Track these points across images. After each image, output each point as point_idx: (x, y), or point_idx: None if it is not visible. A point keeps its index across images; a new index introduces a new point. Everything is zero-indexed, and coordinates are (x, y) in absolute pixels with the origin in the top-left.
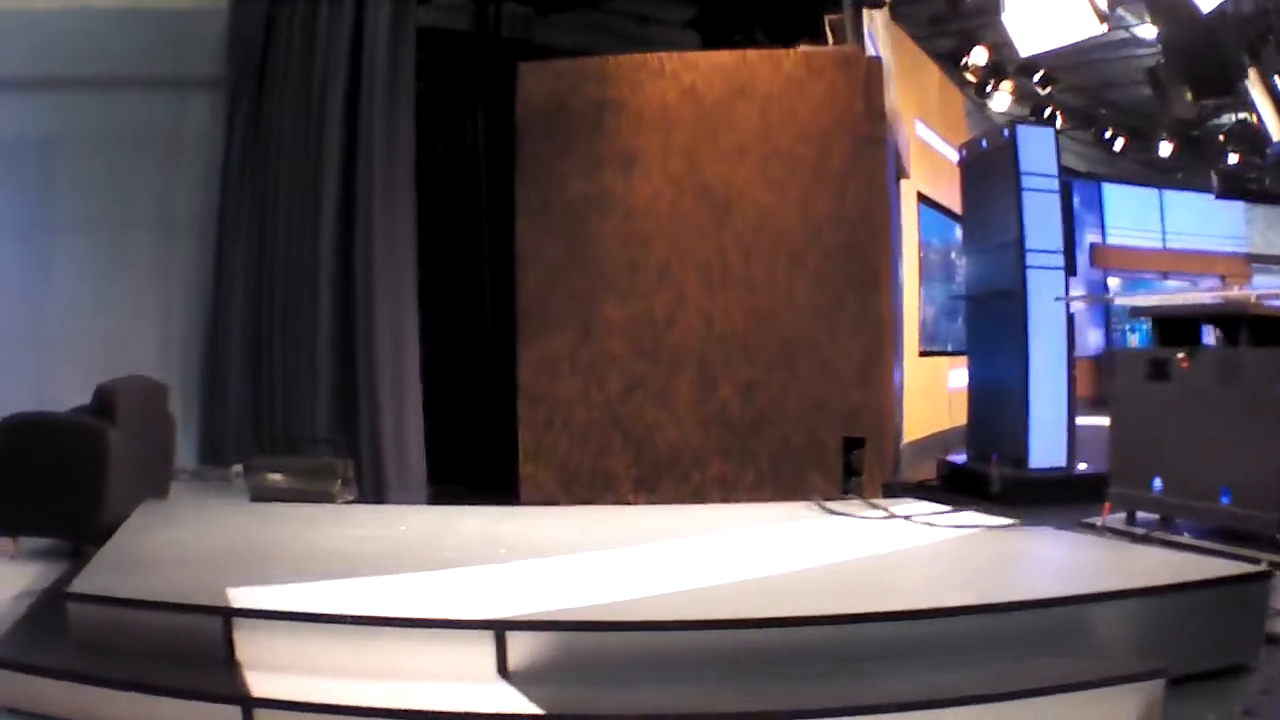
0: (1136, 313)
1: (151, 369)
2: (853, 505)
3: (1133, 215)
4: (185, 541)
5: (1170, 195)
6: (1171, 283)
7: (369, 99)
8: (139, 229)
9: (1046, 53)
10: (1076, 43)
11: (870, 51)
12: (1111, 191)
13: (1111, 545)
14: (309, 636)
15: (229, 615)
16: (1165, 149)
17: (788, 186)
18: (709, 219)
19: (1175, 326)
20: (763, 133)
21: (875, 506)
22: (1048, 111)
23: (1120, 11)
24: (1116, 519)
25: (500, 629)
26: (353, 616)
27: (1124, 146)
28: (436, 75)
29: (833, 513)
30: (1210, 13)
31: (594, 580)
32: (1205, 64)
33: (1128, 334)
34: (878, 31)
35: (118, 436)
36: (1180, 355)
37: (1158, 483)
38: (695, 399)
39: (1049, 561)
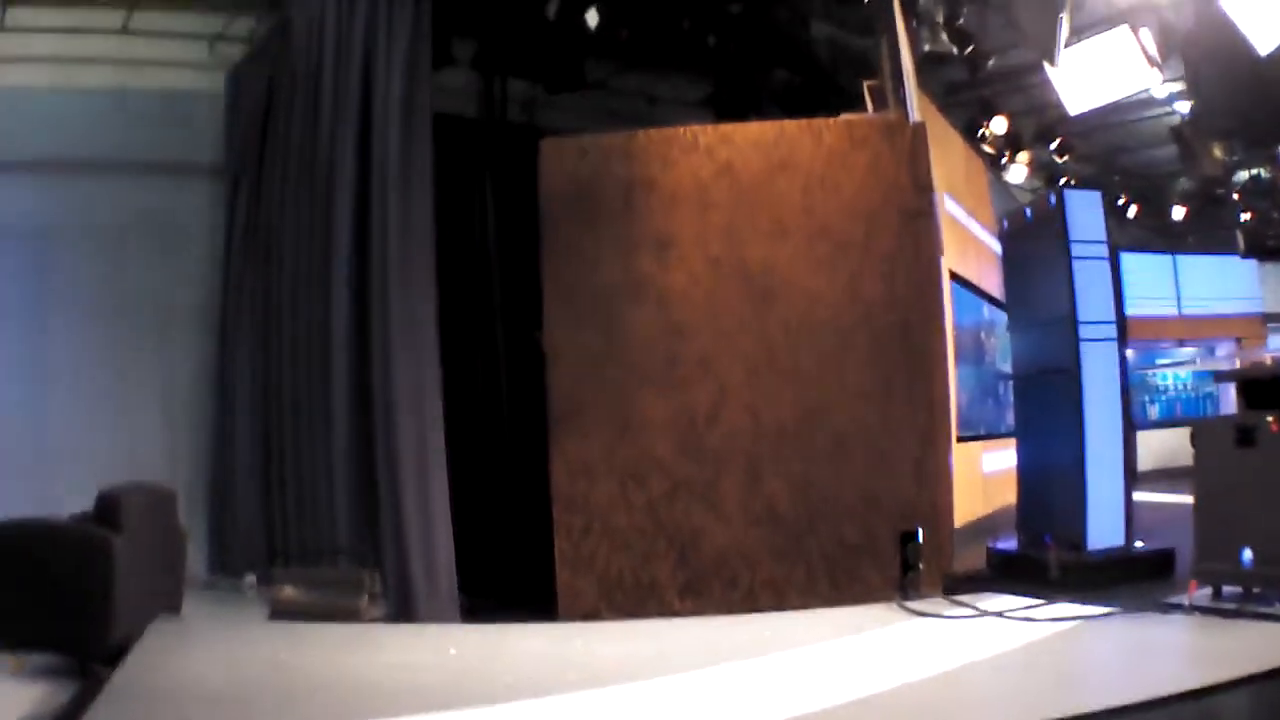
0: (1221, 378)
1: (155, 471)
2: (936, 604)
3: (1147, 284)
4: (205, 673)
5: (1184, 260)
6: (1187, 350)
7: (381, 183)
8: (138, 320)
9: (1093, 110)
10: (1126, 97)
11: (913, 117)
12: (1127, 260)
13: (1225, 626)
14: None
15: None
16: (1178, 212)
17: (834, 266)
18: (751, 304)
19: (1262, 390)
20: (805, 210)
21: (959, 604)
22: (1062, 181)
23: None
24: (1203, 596)
25: None
26: None
27: (1136, 213)
28: (443, 161)
29: (916, 614)
30: (1271, 54)
31: (680, 711)
32: (1255, 111)
33: (1146, 406)
34: (914, 97)
35: (124, 545)
36: (1270, 419)
37: (1247, 554)
38: (742, 498)
39: (1182, 648)
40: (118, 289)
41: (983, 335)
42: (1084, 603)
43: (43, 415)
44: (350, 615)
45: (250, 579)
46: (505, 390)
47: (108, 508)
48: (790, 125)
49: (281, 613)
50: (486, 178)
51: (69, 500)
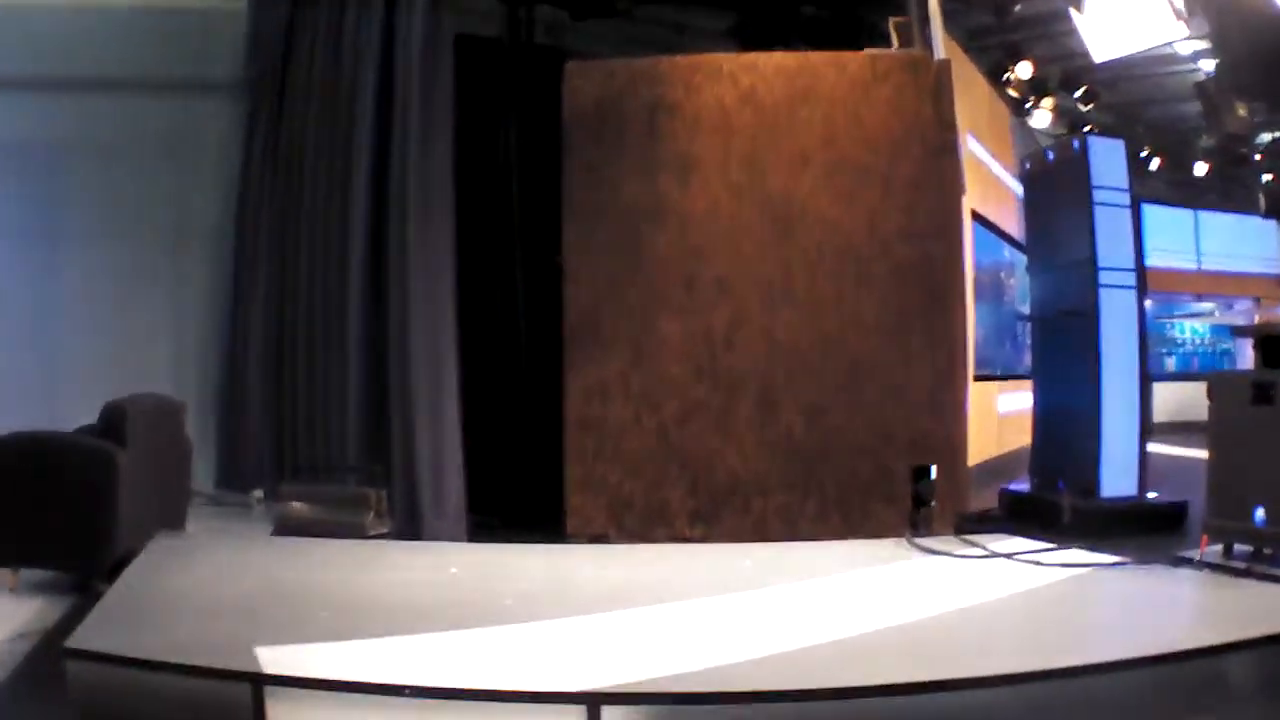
0: (1240, 332)
1: (165, 387)
2: (946, 542)
3: (1168, 237)
4: (204, 585)
5: (1205, 216)
6: (1205, 304)
7: (403, 105)
8: (151, 238)
9: (1119, 59)
10: (1152, 47)
11: (939, 56)
12: (1148, 213)
13: (1234, 584)
14: (359, 711)
15: (261, 682)
16: (1200, 169)
17: (854, 197)
18: (771, 231)
19: None
20: (827, 140)
21: (970, 544)
22: (1086, 129)
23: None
24: (1213, 552)
25: (594, 703)
26: (413, 688)
27: (1159, 166)
28: (466, 82)
29: (926, 551)
30: None
31: (683, 638)
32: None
33: (1163, 359)
34: (940, 37)
35: (128, 459)
36: None
37: (1260, 513)
38: (757, 425)
39: (1190, 604)
40: (130, 206)
41: (1002, 275)
42: (1094, 550)
43: (53, 332)
44: (355, 532)
45: (257, 494)
46: (522, 311)
47: (113, 420)
48: (814, 56)
49: (286, 528)
50: (509, 99)
51: (79, 417)
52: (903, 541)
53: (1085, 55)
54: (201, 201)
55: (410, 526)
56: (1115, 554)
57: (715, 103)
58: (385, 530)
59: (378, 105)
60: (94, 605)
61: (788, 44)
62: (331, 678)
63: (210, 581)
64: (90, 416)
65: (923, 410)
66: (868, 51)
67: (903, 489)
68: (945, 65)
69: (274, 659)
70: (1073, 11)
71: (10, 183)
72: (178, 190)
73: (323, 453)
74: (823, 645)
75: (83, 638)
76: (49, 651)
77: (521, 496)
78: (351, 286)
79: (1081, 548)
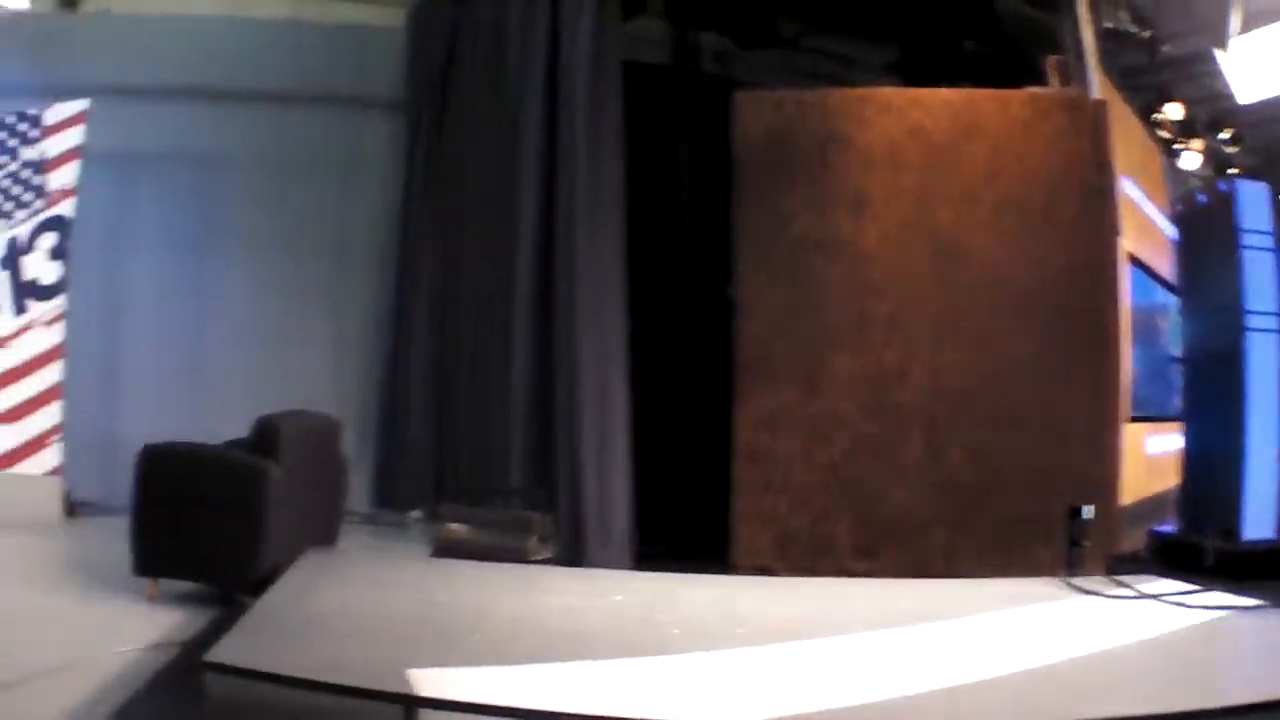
0: None
1: (322, 402)
2: (1098, 583)
3: None
4: (356, 604)
5: None
6: None
7: (570, 129)
8: (311, 252)
9: (1265, 100)
10: None
11: (1094, 95)
12: None
13: None
14: None
15: (413, 705)
16: None
17: (1016, 236)
18: (938, 267)
19: None
20: (991, 177)
21: (1121, 584)
22: (1231, 172)
23: None
24: None
25: None
26: (567, 715)
27: None
28: (633, 107)
29: (1080, 590)
30: None
31: (842, 672)
32: None
33: None
34: (1095, 77)
35: (279, 475)
36: None
37: None
38: (922, 462)
39: None
40: (289, 219)
41: (1156, 317)
42: (1237, 592)
43: (208, 343)
44: (517, 556)
45: (415, 514)
46: (691, 340)
47: (265, 435)
48: (977, 93)
49: (446, 549)
50: (677, 126)
51: (230, 429)
52: (1057, 581)
53: (1231, 97)
54: (361, 217)
55: (574, 553)
56: (1255, 596)
57: (884, 137)
58: (548, 556)
59: (544, 129)
60: (233, 618)
61: (949, 80)
62: (485, 702)
63: (363, 600)
64: (243, 430)
65: (1080, 450)
66: (1029, 90)
67: (1058, 529)
68: (1101, 105)
69: (427, 681)
70: (1217, 52)
71: (168, 193)
72: (336, 205)
73: (485, 475)
74: (980, 683)
75: (225, 651)
76: (188, 663)
77: (686, 526)
78: (517, 308)
79: (1224, 590)
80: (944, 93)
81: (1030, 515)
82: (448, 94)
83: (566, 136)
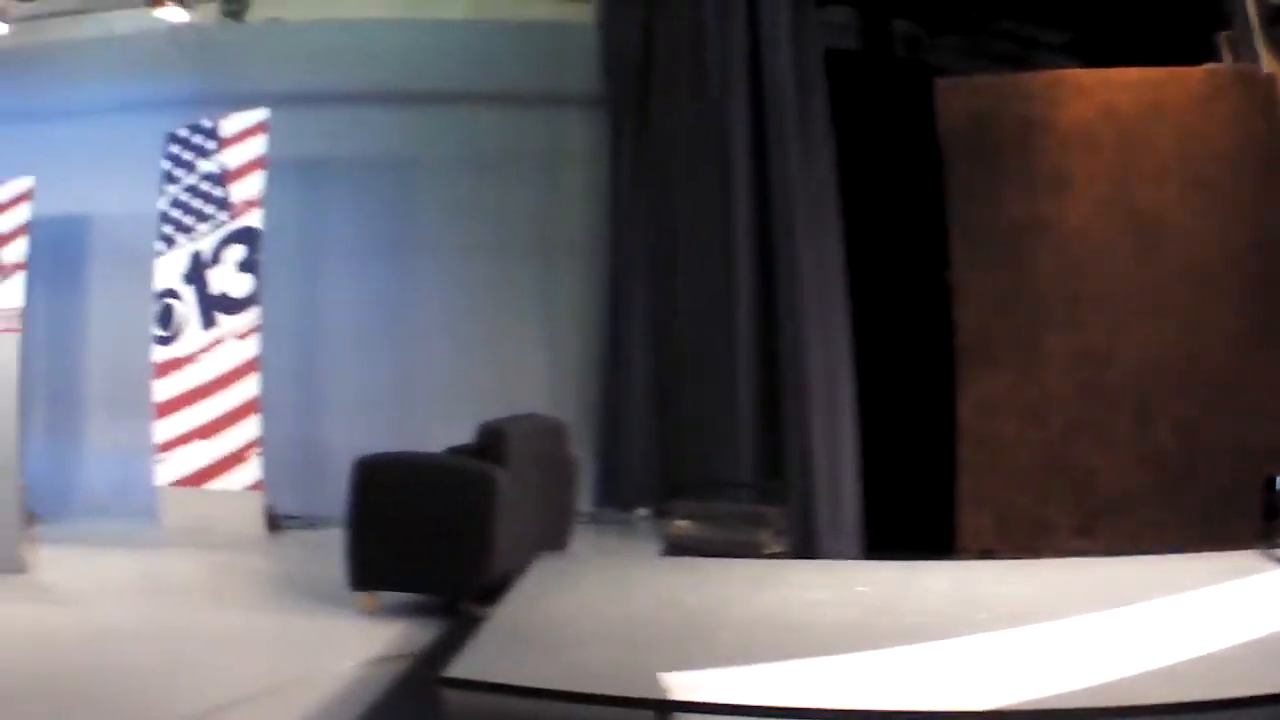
0: None
1: (536, 405)
2: None
3: None
4: (594, 608)
5: None
6: None
7: (779, 119)
8: (517, 253)
9: None
10: None
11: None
12: None
13: None
14: None
15: (667, 710)
16: None
17: (1206, 212)
18: (1138, 246)
19: None
20: (1179, 155)
21: None
22: None
23: None
24: None
25: None
26: (833, 711)
27: None
28: (834, 96)
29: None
30: None
31: (1077, 653)
32: None
33: None
34: (1262, 51)
35: (507, 480)
36: None
37: None
38: (1133, 439)
39: None
40: (492, 221)
41: None
42: None
43: (414, 348)
44: (751, 551)
45: (642, 513)
46: (907, 326)
47: (491, 440)
48: (1159, 72)
49: (676, 547)
50: (877, 113)
51: (442, 435)
52: (1257, 553)
53: None
54: (565, 216)
55: (805, 545)
56: None
57: (1079, 118)
58: (780, 549)
59: (751, 121)
60: (463, 629)
61: (1124, 58)
62: (741, 702)
63: (601, 603)
64: (454, 435)
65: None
66: (1206, 67)
67: (1257, 502)
68: (1272, 80)
69: (678, 684)
70: None
71: (369, 198)
72: (539, 205)
73: (713, 470)
74: (1199, 659)
75: (465, 665)
76: (420, 677)
77: (908, 511)
78: (739, 301)
79: None
80: (1129, 72)
81: (1233, 489)
82: (648, 90)
83: (775, 127)
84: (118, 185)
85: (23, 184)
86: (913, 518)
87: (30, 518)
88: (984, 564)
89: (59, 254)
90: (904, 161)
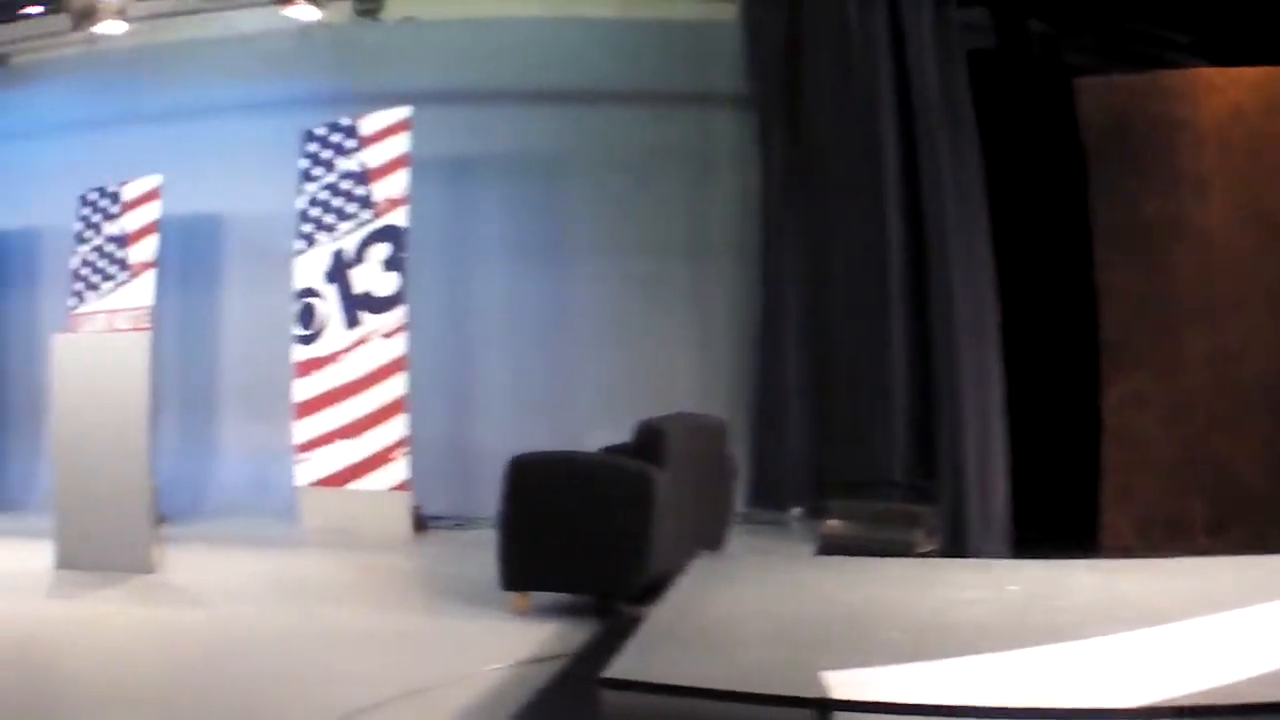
0: None
1: (689, 405)
2: None
3: None
4: (752, 608)
5: None
6: None
7: (924, 117)
8: (668, 253)
9: None
10: None
11: None
12: None
13: None
14: None
15: (829, 708)
16: None
17: None
18: (1271, 245)
19: None
20: None
21: None
22: None
23: None
24: None
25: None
26: (995, 709)
27: None
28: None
29: None
30: None
31: (1220, 651)
32: None
33: None
34: None
35: (666, 480)
36: None
37: None
38: (1269, 438)
39: None
40: (640, 220)
41: None
42: None
43: (560, 350)
44: (904, 550)
45: (795, 512)
46: (1051, 324)
47: (649, 439)
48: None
49: (830, 546)
50: (1014, 112)
51: (594, 433)
52: None
53: None
54: (715, 215)
55: (955, 543)
56: None
57: (1212, 117)
58: (932, 548)
59: (899, 120)
60: (619, 630)
61: (1249, 57)
62: (903, 700)
63: (758, 603)
64: (606, 435)
65: None
66: None
67: None
68: None
69: (840, 683)
70: None
71: (517, 197)
72: (688, 203)
73: (865, 468)
74: None
75: (624, 666)
76: (576, 677)
77: (1053, 509)
78: (892, 302)
79: None
80: (1255, 71)
81: None
82: (794, 90)
83: (924, 127)
84: (251, 184)
85: (151, 182)
86: (1057, 515)
87: (160, 518)
88: (1129, 562)
89: (192, 253)
90: (1044, 161)
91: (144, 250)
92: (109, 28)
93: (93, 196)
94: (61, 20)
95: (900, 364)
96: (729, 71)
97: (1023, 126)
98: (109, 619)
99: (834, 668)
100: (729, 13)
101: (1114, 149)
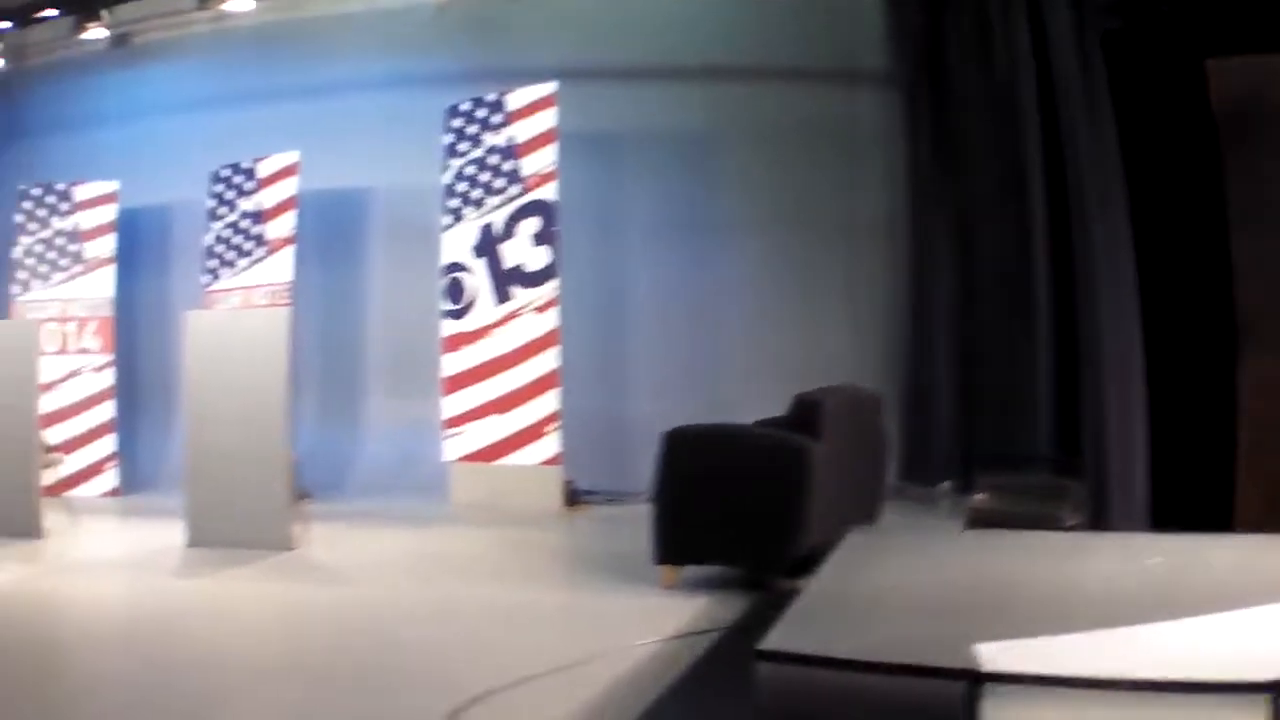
0: None
1: (841, 379)
2: None
3: None
4: (905, 581)
5: None
6: None
7: (1065, 97)
8: (815, 229)
9: None
10: None
11: None
12: None
13: None
14: (1074, 706)
15: (979, 680)
16: None
17: None
18: None
19: None
20: None
21: None
22: None
23: None
24: None
25: None
26: (1131, 681)
27: None
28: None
29: None
30: None
31: None
32: None
33: None
34: None
35: (822, 453)
36: None
37: None
38: None
39: None
40: (789, 196)
41: None
42: None
43: (711, 326)
44: (1051, 524)
45: (944, 486)
46: (1180, 304)
47: (806, 412)
48: None
49: (978, 520)
50: (1147, 92)
51: (747, 409)
52: None
53: None
54: (864, 193)
55: (1098, 518)
56: None
57: None
58: (1078, 522)
59: (1040, 98)
60: (772, 603)
61: None
62: (1052, 673)
63: (910, 577)
64: (757, 409)
65: None
66: None
67: None
68: None
69: (990, 655)
70: None
71: (666, 172)
72: (837, 180)
73: (1013, 442)
74: None
75: (779, 639)
76: (728, 650)
77: (1188, 489)
78: (1037, 280)
79: None
80: None
81: None
82: (938, 68)
83: (1065, 107)
84: (394, 159)
85: (288, 158)
86: (1192, 495)
87: (302, 495)
88: (1268, 538)
89: (334, 228)
90: (1176, 142)
91: (282, 226)
92: (236, 4)
93: (226, 173)
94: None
95: (1046, 340)
96: (872, 48)
97: (1155, 107)
98: (242, 596)
99: (984, 640)
100: None
101: (1249, 128)
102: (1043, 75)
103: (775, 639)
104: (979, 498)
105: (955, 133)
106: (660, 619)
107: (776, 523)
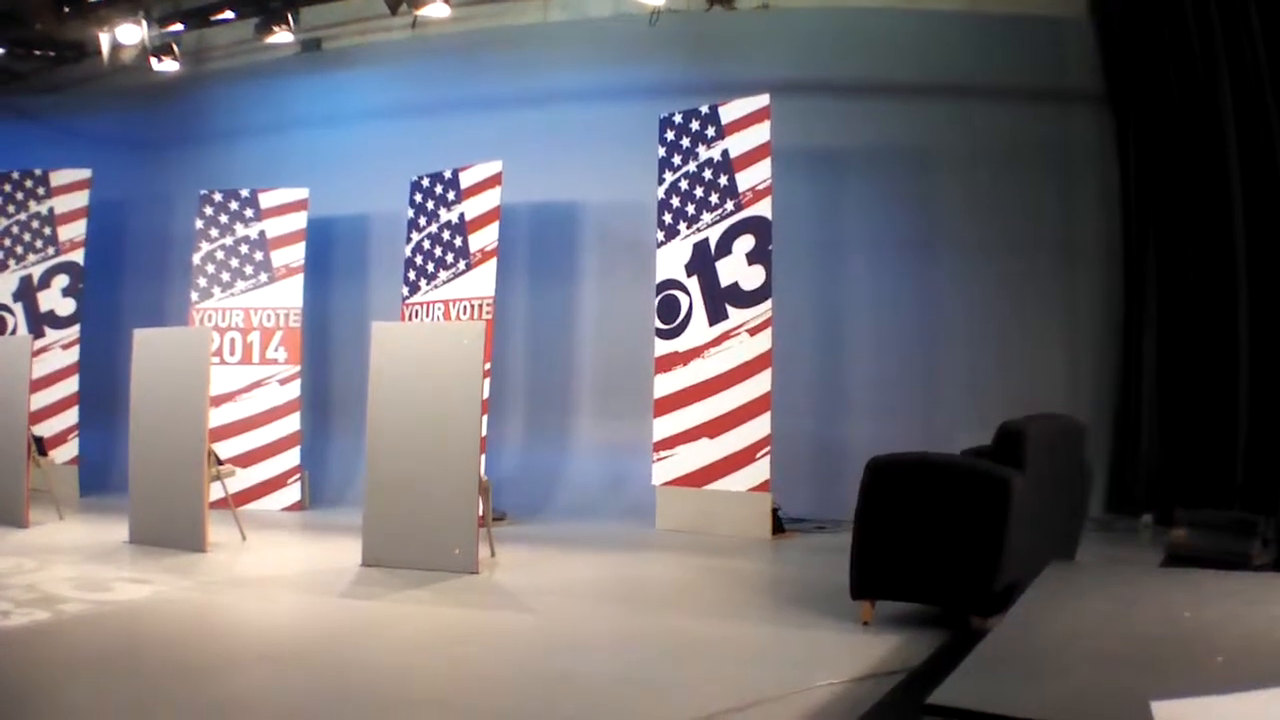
0: None
1: (1055, 406)
2: None
3: None
4: (1095, 625)
5: None
6: None
7: (1266, 113)
8: (1033, 251)
9: None
10: None
11: None
12: None
13: None
14: None
15: None
16: None
17: None
18: None
19: None
20: None
21: None
22: None
23: None
24: None
25: None
26: None
27: None
28: None
29: None
30: None
31: None
32: None
33: None
34: None
35: (1022, 484)
36: None
37: None
38: None
39: None
40: (1007, 217)
41: None
42: None
43: (931, 348)
44: (1242, 561)
45: (1146, 519)
46: None
47: (1010, 442)
48: None
49: (1175, 557)
50: None
51: (963, 436)
52: None
53: None
54: (1081, 213)
55: None
56: None
57: None
58: (1268, 560)
59: (1238, 123)
60: (959, 645)
61: None
62: None
63: (1102, 620)
64: (974, 437)
65: None
66: None
67: None
68: None
69: (1169, 714)
70: None
71: (883, 190)
72: (1053, 201)
73: (1212, 476)
74: None
75: (952, 691)
76: (908, 694)
77: None
78: (1239, 312)
79: None
80: None
81: None
82: (1147, 91)
83: (1265, 131)
84: (604, 171)
85: (491, 168)
86: None
87: (498, 516)
88: None
89: (539, 241)
90: None
91: (485, 237)
92: (433, 10)
93: (426, 182)
94: (377, 3)
95: (1245, 373)
96: (1084, 67)
97: None
98: (408, 618)
99: (1162, 695)
100: (1078, 7)
101: None
102: (1244, 96)
103: (947, 691)
104: (1177, 532)
105: (1166, 157)
106: (850, 658)
107: (975, 558)
